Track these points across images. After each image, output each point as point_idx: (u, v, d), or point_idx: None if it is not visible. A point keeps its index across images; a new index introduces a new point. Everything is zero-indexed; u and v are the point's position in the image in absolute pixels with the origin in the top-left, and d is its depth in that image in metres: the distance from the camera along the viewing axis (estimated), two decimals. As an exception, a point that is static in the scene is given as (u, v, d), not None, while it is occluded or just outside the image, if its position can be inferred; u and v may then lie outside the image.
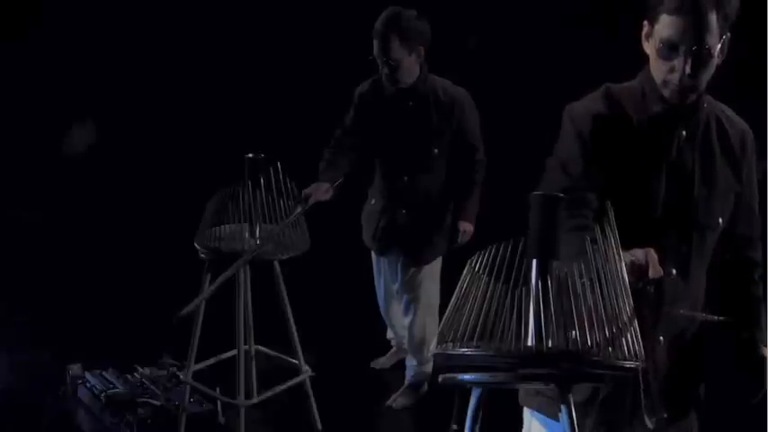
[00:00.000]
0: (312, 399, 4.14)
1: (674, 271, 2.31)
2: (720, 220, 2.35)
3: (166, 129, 6.60)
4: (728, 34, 2.22)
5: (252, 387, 4.06)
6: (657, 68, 2.24)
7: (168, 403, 4.06)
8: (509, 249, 1.94)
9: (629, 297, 1.94)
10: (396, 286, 4.53)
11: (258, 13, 6.58)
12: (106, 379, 4.26)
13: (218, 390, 4.02)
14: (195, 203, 3.87)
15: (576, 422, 1.98)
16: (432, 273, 4.41)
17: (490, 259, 1.95)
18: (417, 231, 4.31)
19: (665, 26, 2.17)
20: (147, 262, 5.84)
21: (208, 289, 3.65)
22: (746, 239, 2.47)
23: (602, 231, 1.97)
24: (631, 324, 1.92)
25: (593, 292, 1.89)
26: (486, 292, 1.94)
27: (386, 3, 4.17)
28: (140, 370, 4.34)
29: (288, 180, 3.73)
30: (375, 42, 4.00)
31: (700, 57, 2.15)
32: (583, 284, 1.86)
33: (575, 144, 2.27)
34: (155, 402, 4.06)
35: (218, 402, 4.11)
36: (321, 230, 4.04)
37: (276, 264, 3.90)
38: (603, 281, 1.91)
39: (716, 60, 2.21)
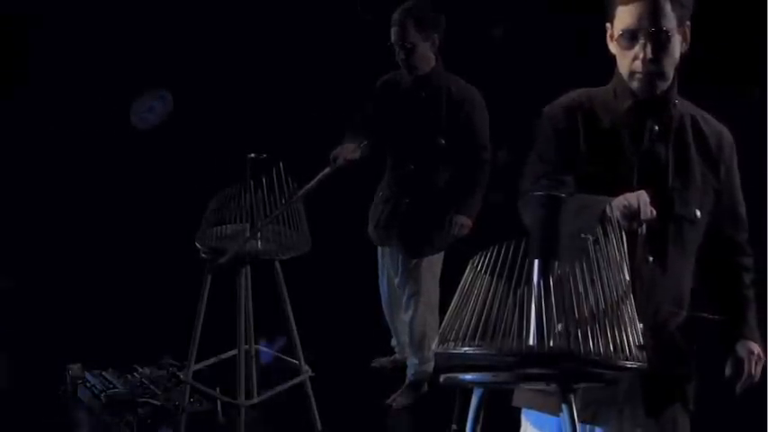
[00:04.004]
0: (312, 399, 4.14)
1: (651, 258, 2.32)
2: (698, 212, 2.37)
3: (168, 128, 6.60)
4: (689, 23, 2.31)
5: (252, 387, 4.06)
6: (623, 62, 2.32)
7: (168, 403, 4.06)
8: (511, 249, 1.95)
9: (630, 297, 1.95)
10: (397, 280, 4.55)
11: (260, 13, 6.58)
12: (106, 379, 4.26)
13: (218, 390, 4.02)
14: (196, 203, 3.88)
15: (577, 422, 1.98)
16: (432, 268, 4.44)
17: (492, 259, 1.96)
18: (418, 221, 4.36)
19: (621, 17, 2.29)
20: (147, 261, 5.84)
21: (254, 229, 3.68)
22: (734, 243, 2.49)
23: (604, 232, 1.99)
24: (633, 324, 1.93)
25: (593, 287, 1.90)
26: (488, 292, 1.94)
27: (388, 4, 4.30)
28: (140, 370, 4.34)
29: (290, 180, 3.74)
30: (393, 30, 4.23)
31: (658, 40, 2.25)
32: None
33: (550, 137, 2.37)
34: (155, 402, 4.06)
35: (218, 402, 4.11)
36: (322, 231, 4.04)
37: (277, 264, 3.90)
38: (605, 281, 1.92)
39: (678, 47, 2.30)
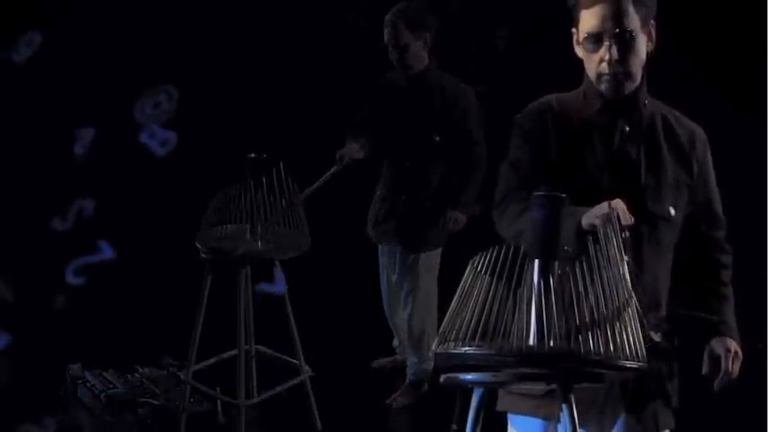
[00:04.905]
0: (312, 399, 4.14)
1: (627, 258, 2.32)
2: (672, 210, 2.37)
3: (168, 128, 6.60)
4: (653, 23, 2.33)
5: (252, 387, 4.06)
6: (590, 65, 2.34)
7: (168, 403, 4.06)
8: (511, 249, 1.95)
9: (631, 297, 1.95)
10: (395, 277, 4.59)
11: (260, 13, 6.58)
12: (106, 379, 4.26)
13: (218, 390, 4.02)
14: (196, 203, 3.88)
15: (576, 421, 1.98)
16: (430, 266, 4.49)
17: (492, 259, 1.96)
18: (415, 217, 4.42)
19: (585, 21, 2.31)
20: (147, 261, 5.84)
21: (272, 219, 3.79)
22: (711, 240, 2.49)
23: (604, 232, 1.99)
24: (633, 323, 1.93)
25: (593, 285, 1.91)
26: (488, 292, 1.94)
27: (385, 4, 4.40)
28: (140, 370, 4.35)
29: (290, 180, 3.75)
30: (386, 31, 4.36)
31: (623, 41, 2.27)
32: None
33: (522, 145, 2.39)
34: (155, 402, 4.07)
35: (218, 402, 4.12)
36: (322, 231, 4.05)
37: (277, 263, 3.91)
38: (605, 280, 1.92)
39: (644, 47, 2.32)
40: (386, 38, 4.36)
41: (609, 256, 1.94)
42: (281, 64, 6.48)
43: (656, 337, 2.17)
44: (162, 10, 6.51)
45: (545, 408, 2.28)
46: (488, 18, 5.97)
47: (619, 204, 2.09)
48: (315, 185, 4.13)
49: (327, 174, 4.25)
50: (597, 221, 2.05)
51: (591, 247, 1.95)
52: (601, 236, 1.98)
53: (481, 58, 5.77)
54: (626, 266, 1.96)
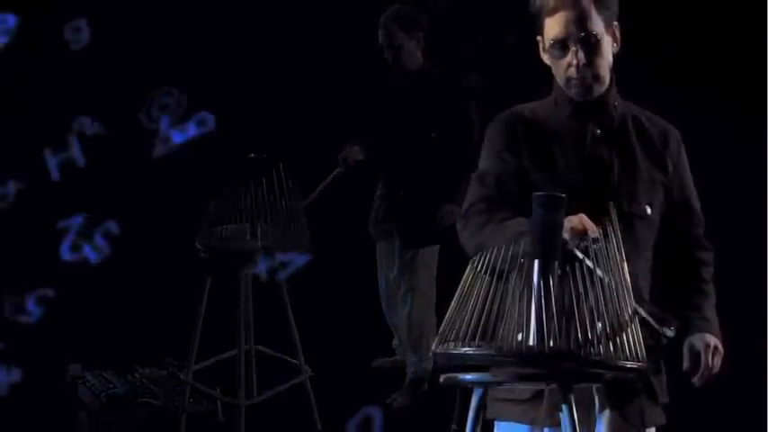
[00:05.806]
0: (312, 399, 4.14)
1: None
2: (648, 209, 2.38)
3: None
4: (617, 24, 2.35)
5: (252, 387, 4.06)
6: (558, 72, 2.35)
7: (168, 403, 4.06)
8: (511, 249, 1.95)
9: (630, 297, 1.95)
10: (393, 275, 4.60)
11: (261, 13, 6.58)
12: (106, 379, 4.26)
13: (218, 390, 4.02)
14: (196, 203, 3.88)
15: (576, 422, 1.98)
16: (428, 262, 4.54)
17: (492, 259, 1.96)
18: (414, 213, 4.48)
19: (550, 28, 2.32)
20: (147, 261, 5.83)
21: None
22: (690, 237, 2.49)
23: (604, 232, 1.99)
24: (632, 324, 1.93)
25: (593, 286, 1.91)
26: (488, 292, 1.94)
27: (384, 4, 4.54)
28: (140, 370, 4.35)
29: (290, 180, 3.76)
30: (380, 33, 4.51)
31: (588, 44, 2.29)
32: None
33: (489, 158, 2.42)
34: (155, 402, 4.07)
35: (218, 402, 4.12)
36: (322, 231, 4.05)
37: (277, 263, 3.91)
38: (605, 280, 1.93)
39: (610, 49, 2.34)
40: (380, 39, 4.48)
41: (609, 257, 1.95)
42: (280, 64, 6.48)
43: (670, 332, 2.17)
44: (161, 10, 6.50)
45: (531, 412, 2.28)
46: (486, 12, 5.97)
47: (584, 218, 2.10)
48: (319, 188, 4.27)
49: (331, 176, 4.40)
50: (566, 235, 2.06)
51: (591, 249, 1.96)
52: (601, 239, 1.99)
53: (478, 52, 5.78)
54: (626, 268, 1.96)
